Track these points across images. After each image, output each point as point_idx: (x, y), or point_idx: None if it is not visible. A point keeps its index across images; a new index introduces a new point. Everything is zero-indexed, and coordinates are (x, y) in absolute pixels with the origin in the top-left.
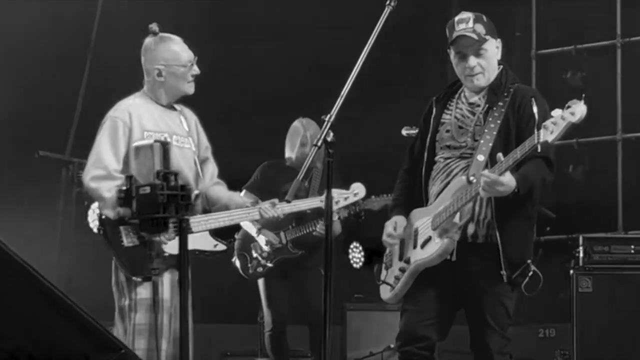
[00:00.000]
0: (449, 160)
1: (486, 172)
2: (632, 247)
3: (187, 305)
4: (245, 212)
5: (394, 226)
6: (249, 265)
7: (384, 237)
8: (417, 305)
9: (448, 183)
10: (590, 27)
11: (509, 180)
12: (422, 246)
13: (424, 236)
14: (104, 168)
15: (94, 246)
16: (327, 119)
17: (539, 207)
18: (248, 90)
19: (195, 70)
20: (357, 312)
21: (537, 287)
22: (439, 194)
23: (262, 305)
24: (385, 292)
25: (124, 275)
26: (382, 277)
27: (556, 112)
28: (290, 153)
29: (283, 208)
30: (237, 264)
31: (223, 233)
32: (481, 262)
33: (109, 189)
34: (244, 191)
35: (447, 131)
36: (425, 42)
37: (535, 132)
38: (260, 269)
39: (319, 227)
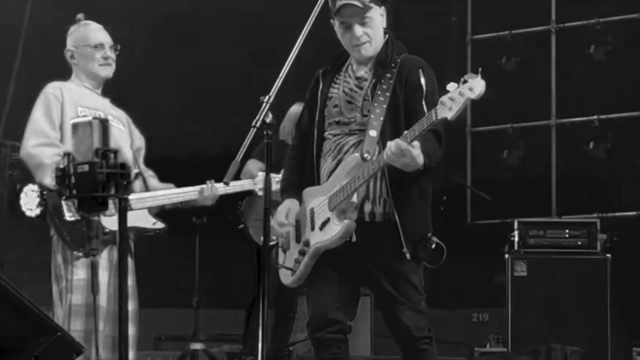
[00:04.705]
0: (338, 137)
1: (398, 140)
2: (567, 231)
3: (126, 286)
4: (184, 191)
5: (286, 213)
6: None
7: (274, 224)
8: (322, 290)
9: (340, 160)
10: (525, 13)
11: (418, 155)
12: (321, 228)
13: (322, 217)
14: (46, 136)
15: (27, 230)
16: (265, 100)
17: (476, 191)
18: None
19: (107, 53)
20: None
21: (441, 258)
22: (331, 172)
23: None
24: (286, 277)
25: (61, 257)
26: (281, 261)
27: (452, 86)
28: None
29: (218, 189)
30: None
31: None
32: (382, 242)
33: (49, 156)
34: (251, 159)
35: (335, 106)
36: None
37: (433, 109)
38: None
39: None
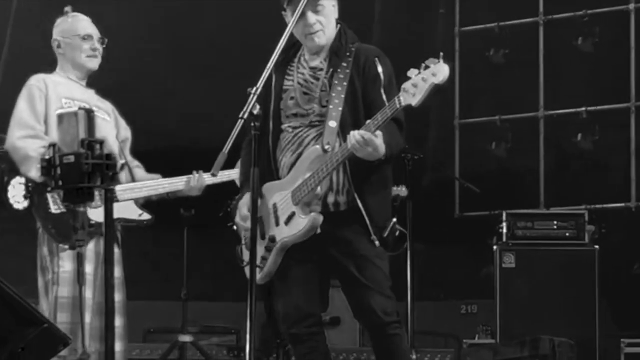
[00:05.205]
0: (298, 130)
1: (361, 130)
2: (555, 222)
3: (112, 278)
4: (170, 181)
5: (248, 206)
6: None
7: (238, 219)
8: (292, 283)
9: (300, 153)
10: (513, 5)
11: (380, 145)
12: (287, 223)
13: (286, 212)
14: (31, 128)
15: (14, 223)
16: (253, 91)
17: (464, 182)
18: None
19: (94, 45)
20: None
21: (403, 245)
22: (292, 165)
23: None
24: None
25: (47, 249)
26: (246, 259)
27: (412, 72)
28: None
29: (205, 179)
30: None
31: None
32: (348, 229)
33: (34, 148)
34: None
35: (292, 98)
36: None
37: (396, 96)
38: None
39: None
